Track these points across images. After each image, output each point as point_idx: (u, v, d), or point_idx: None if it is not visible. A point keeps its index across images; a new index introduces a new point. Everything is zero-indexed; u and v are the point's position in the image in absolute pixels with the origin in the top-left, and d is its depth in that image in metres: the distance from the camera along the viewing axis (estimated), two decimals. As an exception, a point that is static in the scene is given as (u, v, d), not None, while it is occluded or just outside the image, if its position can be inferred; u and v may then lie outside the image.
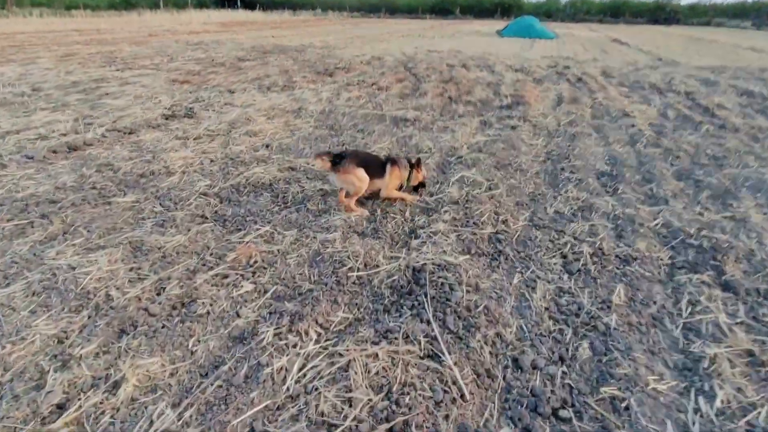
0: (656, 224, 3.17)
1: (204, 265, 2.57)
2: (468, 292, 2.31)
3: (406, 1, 63.62)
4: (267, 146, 4.71)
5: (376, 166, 3.28)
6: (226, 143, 4.75)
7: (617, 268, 2.61)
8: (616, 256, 2.73)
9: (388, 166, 3.33)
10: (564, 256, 2.73)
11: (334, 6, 57.60)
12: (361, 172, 3.14)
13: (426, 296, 2.29)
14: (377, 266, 2.57)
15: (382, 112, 6.25)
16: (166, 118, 5.67)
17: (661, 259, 2.71)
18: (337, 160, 3.12)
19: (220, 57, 11.39)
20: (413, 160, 3.43)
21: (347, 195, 3.25)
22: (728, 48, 18.53)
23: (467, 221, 3.10)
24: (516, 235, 2.97)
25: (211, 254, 2.67)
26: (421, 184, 3.53)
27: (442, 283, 2.36)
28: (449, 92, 7.73)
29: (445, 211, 3.24)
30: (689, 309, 2.27)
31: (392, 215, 3.23)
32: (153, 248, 2.71)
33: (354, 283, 2.44)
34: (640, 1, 56.09)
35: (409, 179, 3.44)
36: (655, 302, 2.30)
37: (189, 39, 16.24)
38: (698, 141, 5.20)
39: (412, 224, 3.12)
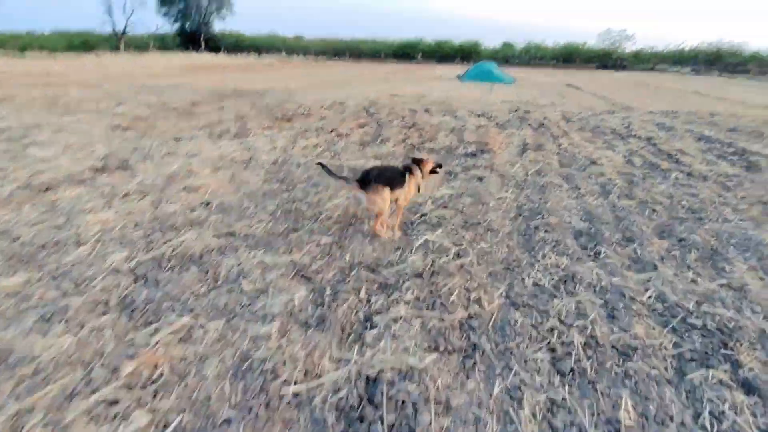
0: (649, 298, 2.76)
1: (88, 384, 1.92)
2: (437, 414, 1.78)
3: (370, 46, 65.58)
4: (206, 205, 4.13)
5: (397, 178, 3.45)
6: (157, 202, 4.13)
7: (617, 365, 2.14)
8: (613, 346, 2.27)
9: (407, 176, 3.52)
10: (552, 349, 2.25)
11: (299, 50, 58.54)
12: (387, 192, 3.30)
13: (382, 423, 1.73)
14: (320, 375, 2.00)
15: (340, 162, 5.81)
16: (95, 171, 5.02)
17: (666, 348, 2.27)
18: (365, 180, 3.28)
19: (173, 101, 10.84)
20: (418, 159, 3.77)
21: (375, 216, 3.45)
22: (674, 93, 19.52)
23: (433, 302, 2.60)
24: (492, 319, 2.48)
25: (102, 365, 2.04)
26: (435, 168, 3.79)
27: (404, 402, 1.82)
28: (412, 139, 7.43)
29: (408, 288, 2.73)
30: (714, 426, 1.80)
31: (344, 294, 2.69)
32: (24, 358, 2.05)
33: (289, 403, 1.86)
34: (589, 48, 59.79)
35: (423, 176, 3.70)
36: (671, 418, 1.83)
37: (146, 82, 15.67)
38: (671, 191, 4.98)
39: (367, 308, 2.58)
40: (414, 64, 52.67)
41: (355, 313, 2.52)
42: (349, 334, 2.34)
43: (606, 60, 55.31)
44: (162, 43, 51.54)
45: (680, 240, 3.66)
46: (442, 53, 61.21)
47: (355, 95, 13.92)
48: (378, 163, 5.74)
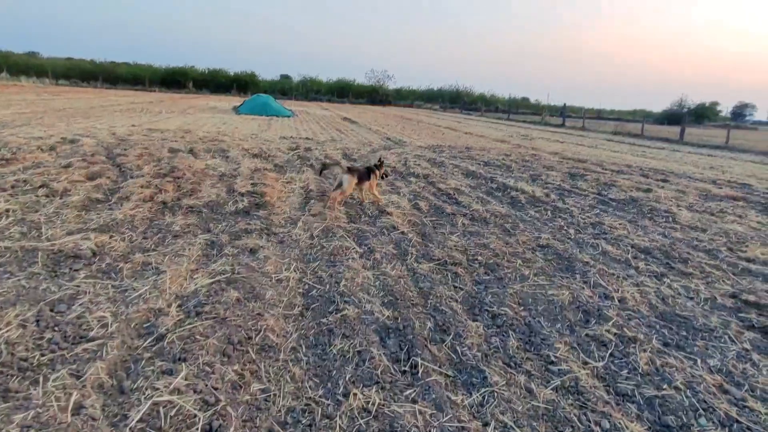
0: (495, 447, 1.95)
1: None
2: None
3: (129, 70, 57.61)
4: None
5: (364, 173, 5.72)
6: None
7: None
8: None
9: (371, 174, 5.79)
10: None
11: (32, 70, 47.20)
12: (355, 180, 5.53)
13: None
14: None
15: (36, 243, 3.76)
16: None
17: None
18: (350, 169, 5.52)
19: None
20: (377, 163, 6.12)
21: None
22: (433, 128, 22.09)
23: None
24: None
25: None
26: (384, 175, 6.22)
27: None
28: (165, 193, 5.68)
29: None
30: None
31: None
32: None
33: None
34: (359, 84, 65.41)
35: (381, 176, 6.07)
36: None
37: None
38: (463, 242, 4.65)
39: None
40: (184, 94, 48.26)
41: None
42: None
43: (374, 96, 61.24)
44: None
45: (494, 318, 3.11)
46: (216, 83, 58.01)
47: (98, 130, 11.02)
48: (103, 241, 3.91)
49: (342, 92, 62.25)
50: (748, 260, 4.72)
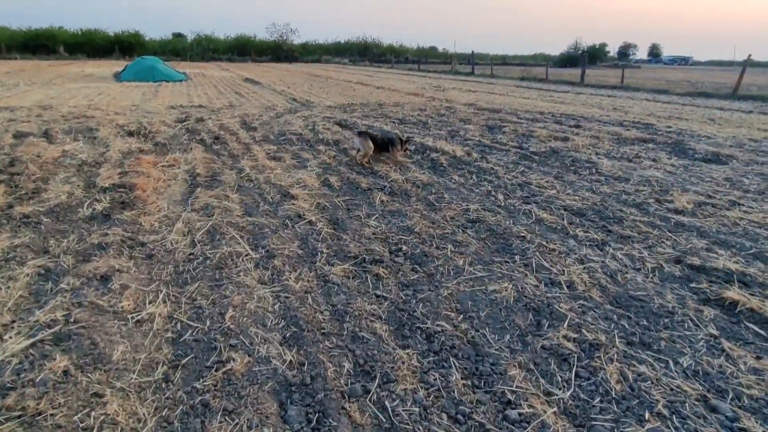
0: None
1: None
2: None
3: (-23, 36, 48.39)
4: None
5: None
6: None
7: None
8: None
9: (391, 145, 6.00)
10: None
11: None
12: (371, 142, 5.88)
13: None
14: None
15: None
16: None
17: None
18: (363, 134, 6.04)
19: None
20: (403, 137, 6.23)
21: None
22: (343, 84, 20.81)
23: None
24: None
25: None
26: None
27: None
28: (-9, 199, 4.28)
29: None
30: None
31: None
32: None
33: None
34: (261, 40, 60.73)
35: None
36: None
37: None
38: (383, 227, 3.92)
39: None
40: (54, 61, 41.57)
41: None
42: None
43: (278, 52, 57.30)
44: None
45: (429, 339, 2.44)
46: (94, 46, 50.68)
47: None
48: None
49: (243, 50, 57.50)
50: (677, 212, 4.51)
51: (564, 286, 2.99)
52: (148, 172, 5.32)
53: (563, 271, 3.19)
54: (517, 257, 3.41)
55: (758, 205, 4.78)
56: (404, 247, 3.51)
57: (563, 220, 4.20)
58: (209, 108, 11.34)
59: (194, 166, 5.75)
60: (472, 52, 38.19)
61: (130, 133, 7.61)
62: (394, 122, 9.72)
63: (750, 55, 18.63)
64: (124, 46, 51.04)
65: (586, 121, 10.42)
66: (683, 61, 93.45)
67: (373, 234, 3.75)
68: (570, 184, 5.37)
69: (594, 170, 6.06)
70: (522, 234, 3.81)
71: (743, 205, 4.76)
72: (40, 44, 48.45)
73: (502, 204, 4.64)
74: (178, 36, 63.33)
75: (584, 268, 3.25)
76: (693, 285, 3.07)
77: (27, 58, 43.84)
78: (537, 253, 3.45)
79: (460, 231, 3.89)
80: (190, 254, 3.34)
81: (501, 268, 3.21)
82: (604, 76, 32.39)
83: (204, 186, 4.93)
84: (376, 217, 4.17)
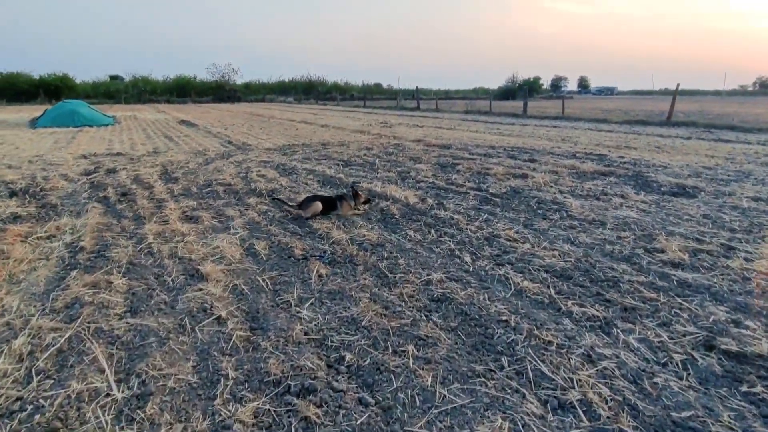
0: None
1: None
2: None
3: None
4: None
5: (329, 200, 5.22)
6: None
7: None
8: None
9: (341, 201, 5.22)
10: None
11: None
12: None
13: None
14: None
15: None
16: None
17: None
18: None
19: None
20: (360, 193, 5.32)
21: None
22: (285, 124, 19.89)
23: None
24: None
25: None
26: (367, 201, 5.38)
27: None
28: None
29: None
30: None
31: None
32: None
33: None
34: (202, 81, 59.24)
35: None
36: None
37: None
38: (320, 322, 2.88)
39: None
40: (-33, 107, 38.06)
41: None
42: None
43: (220, 92, 55.93)
44: None
45: None
46: (16, 90, 47.18)
47: None
48: None
49: (183, 91, 55.74)
50: (674, 265, 3.80)
51: (580, 412, 2.07)
52: (10, 249, 4.03)
53: (571, 380, 2.28)
54: (504, 360, 2.47)
55: (753, 248, 4.18)
56: (348, 356, 2.48)
57: (548, 288, 3.35)
58: (128, 156, 9.99)
59: (81, 235, 4.50)
60: (417, 87, 38.68)
61: (13, 194, 6.20)
62: (338, 164, 8.82)
63: (678, 84, 19.54)
64: (50, 89, 47.94)
65: (540, 154, 10.00)
66: (609, 91, 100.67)
67: (305, 335, 2.71)
68: (543, 234, 4.60)
69: (564, 213, 5.35)
70: (503, 317, 2.90)
71: (739, 250, 4.14)
72: (-48, 91, 44.58)
73: (471, 268, 3.74)
74: (114, 78, 60.66)
75: (597, 371, 2.35)
76: (744, 389, 2.24)
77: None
78: (530, 351, 2.53)
79: (423, 318, 2.92)
80: (16, 399, 2.15)
81: (487, 386, 2.25)
82: (542, 107, 33.62)
83: (83, 267, 3.72)
84: (312, 304, 3.13)
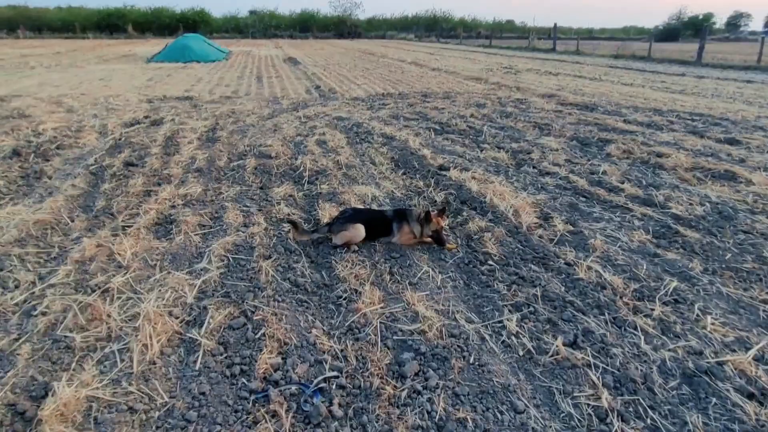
0: None
1: None
2: None
3: (58, 16, 50.27)
4: None
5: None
6: None
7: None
8: None
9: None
10: None
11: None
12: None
13: None
14: None
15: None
16: None
17: None
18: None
19: None
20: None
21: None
22: (393, 65, 17.48)
23: None
24: None
25: None
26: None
27: None
28: None
29: None
30: None
31: None
32: None
33: None
34: (324, 16, 58.21)
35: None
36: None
37: None
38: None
39: None
40: (124, 39, 41.73)
41: None
42: None
43: (342, 28, 54.42)
44: None
45: None
46: (160, 24, 50.79)
47: None
48: None
49: (305, 26, 55.31)
50: None
51: None
52: None
53: None
54: None
55: None
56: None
57: None
58: (194, 102, 8.66)
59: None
60: (555, 24, 32.90)
61: (16, 153, 5.03)
62: (430, 129, 6.44)
63: None
64: (189, 23, 50.62)
65: (742, 128, 6.47)
66: (813, 33, 78.61)
67: None
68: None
69: None
70: None
71: None
72: (111, 24, 49.32)
73: None
74: (252, 13, 62.23)
75: None
76: None
77: (99, 37, 44.56)
78: None
79: None
80: None
81: None
82: (720, 52, 26.00)
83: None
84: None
